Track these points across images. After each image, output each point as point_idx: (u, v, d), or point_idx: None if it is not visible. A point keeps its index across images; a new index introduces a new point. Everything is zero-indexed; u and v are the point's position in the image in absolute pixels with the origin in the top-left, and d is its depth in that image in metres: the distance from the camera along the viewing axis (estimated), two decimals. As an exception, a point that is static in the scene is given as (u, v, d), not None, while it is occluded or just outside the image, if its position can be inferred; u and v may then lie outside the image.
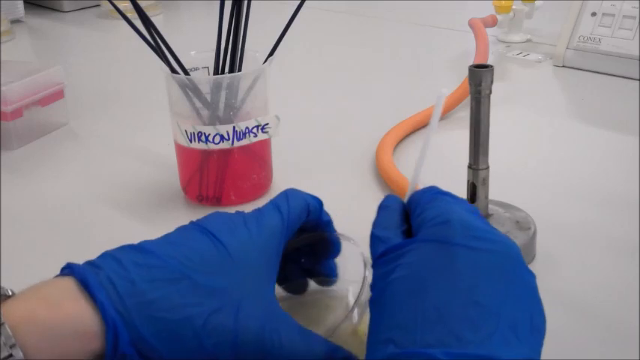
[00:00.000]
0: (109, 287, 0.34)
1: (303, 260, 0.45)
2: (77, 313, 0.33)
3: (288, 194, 0.42)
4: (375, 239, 0.38)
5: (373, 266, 0.37)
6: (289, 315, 0.37)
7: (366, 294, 0.38)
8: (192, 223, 0.39)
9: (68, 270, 0.35)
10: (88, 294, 0.33)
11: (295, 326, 0.37)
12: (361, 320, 0.39)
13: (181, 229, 0.38)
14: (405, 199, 0.41)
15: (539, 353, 0.33)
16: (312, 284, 0.46)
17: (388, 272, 0.35)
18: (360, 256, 0.42)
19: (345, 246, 0.45)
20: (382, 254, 0.36)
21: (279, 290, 0.44)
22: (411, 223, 0.39)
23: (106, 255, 0.36)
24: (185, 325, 0.34)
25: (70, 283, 0.34)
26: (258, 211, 0.41)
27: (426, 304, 0.32)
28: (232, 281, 0.36)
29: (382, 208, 0.41)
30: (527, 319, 0.33)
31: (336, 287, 0.45)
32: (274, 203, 0.41)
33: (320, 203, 0.44)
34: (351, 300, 0.40)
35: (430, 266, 0.34)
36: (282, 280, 0.44)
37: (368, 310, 0.36)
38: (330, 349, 0.37)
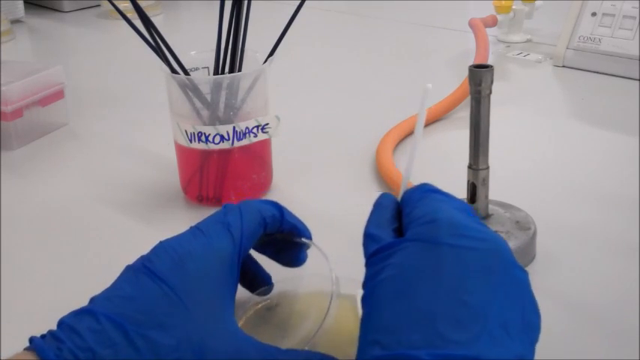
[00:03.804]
0: None
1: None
2: None
3: (242, 210, 0.41)
4: (367, 238, 0.38)
5: (365, 265, 0.37)
6: (252, 338, 0.37)
7: (335, 302, 0.39)
8: (141, 262, 0.38)
9: (32, 345, 0.35)
10: None
11: (258, 349, 0.37)
12: (343, 319, 0.39)
13: (130, 274, 0.38)
14: (399, 197, 0.41)
15: (532, 350, 0.32)
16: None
17: (377, 272, 0.35)
18: (326, 265, 0.41)
19: (312, 251, 0.45)
20: (373, 253, 0.36)
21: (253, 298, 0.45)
22: (402, 221, 0.39)
23: (63, 326, 0.36)
24: None
25: None
26: (207, 236, 0.39)
27: (412, 305, 0.32)
28: (187, 326, 0.36)
29: (376, 206, 0.41)
30: (517, 316, 0.32)
31: (309, 291, 0.45)
32: (225, 223, 0.40)
33: (280, 210, 0.43)
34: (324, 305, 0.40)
35: (416, 266, 0.34)
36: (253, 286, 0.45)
37: (358, 308, 0.36)
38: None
